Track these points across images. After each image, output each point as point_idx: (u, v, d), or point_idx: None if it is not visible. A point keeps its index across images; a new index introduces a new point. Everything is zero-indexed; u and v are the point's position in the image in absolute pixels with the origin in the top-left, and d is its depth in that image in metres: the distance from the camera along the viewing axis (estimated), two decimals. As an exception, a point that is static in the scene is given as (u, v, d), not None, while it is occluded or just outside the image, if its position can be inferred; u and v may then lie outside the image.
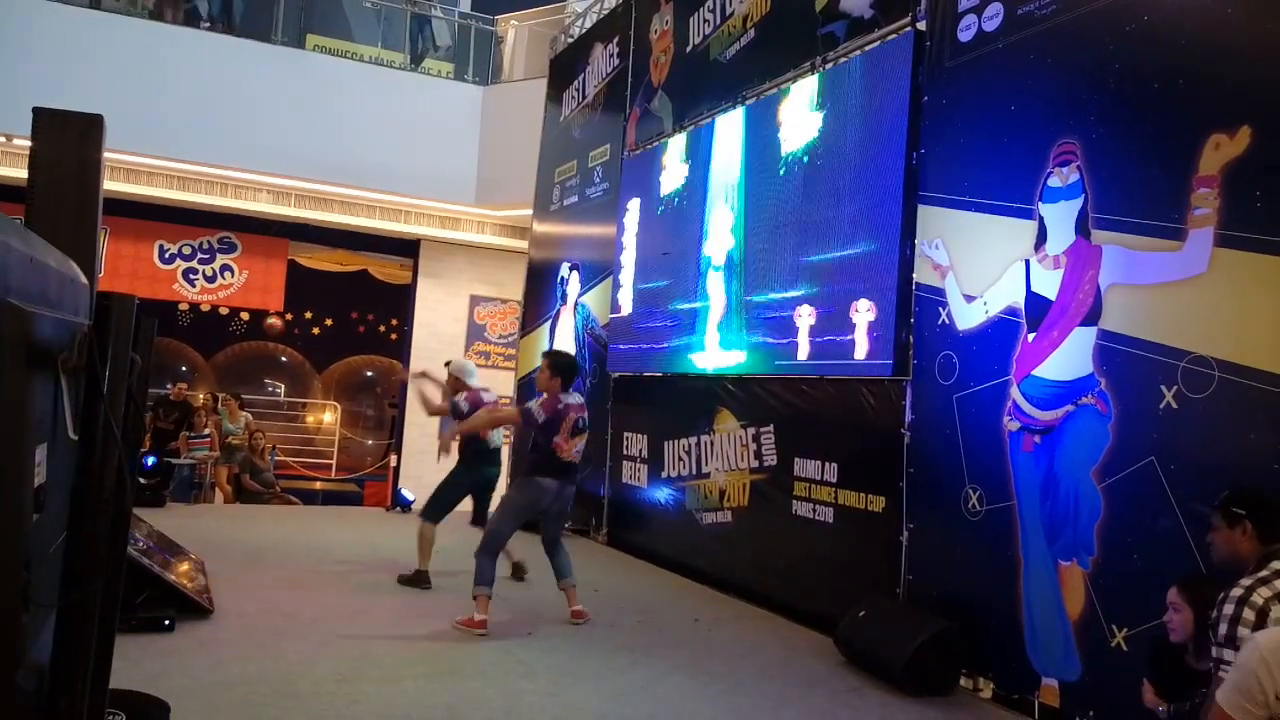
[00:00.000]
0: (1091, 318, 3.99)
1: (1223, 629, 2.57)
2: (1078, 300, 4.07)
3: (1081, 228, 4.08)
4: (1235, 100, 3.53)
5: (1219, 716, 2.23)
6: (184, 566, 5.43)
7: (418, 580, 6.03)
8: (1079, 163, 4.11)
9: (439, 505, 6.26)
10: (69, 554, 1.37)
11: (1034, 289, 4.30)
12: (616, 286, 8.25)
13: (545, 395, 5.29)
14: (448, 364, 6.94)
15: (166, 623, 4.56)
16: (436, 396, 6.64)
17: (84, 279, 1.48)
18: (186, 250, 12.65)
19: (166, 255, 12.58)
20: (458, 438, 6.17)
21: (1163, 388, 3.64)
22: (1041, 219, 4.29)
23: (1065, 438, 4.07)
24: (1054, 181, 4.23)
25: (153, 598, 4.63)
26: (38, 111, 1.61)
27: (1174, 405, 3.60)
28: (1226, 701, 2.22)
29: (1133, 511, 3.73)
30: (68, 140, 1.60)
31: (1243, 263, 3.42)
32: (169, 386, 11.11)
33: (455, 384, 6.49)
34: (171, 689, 3.57)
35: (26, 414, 1.01)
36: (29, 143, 1.65)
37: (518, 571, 6.38)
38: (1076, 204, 4.11)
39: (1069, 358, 4.08)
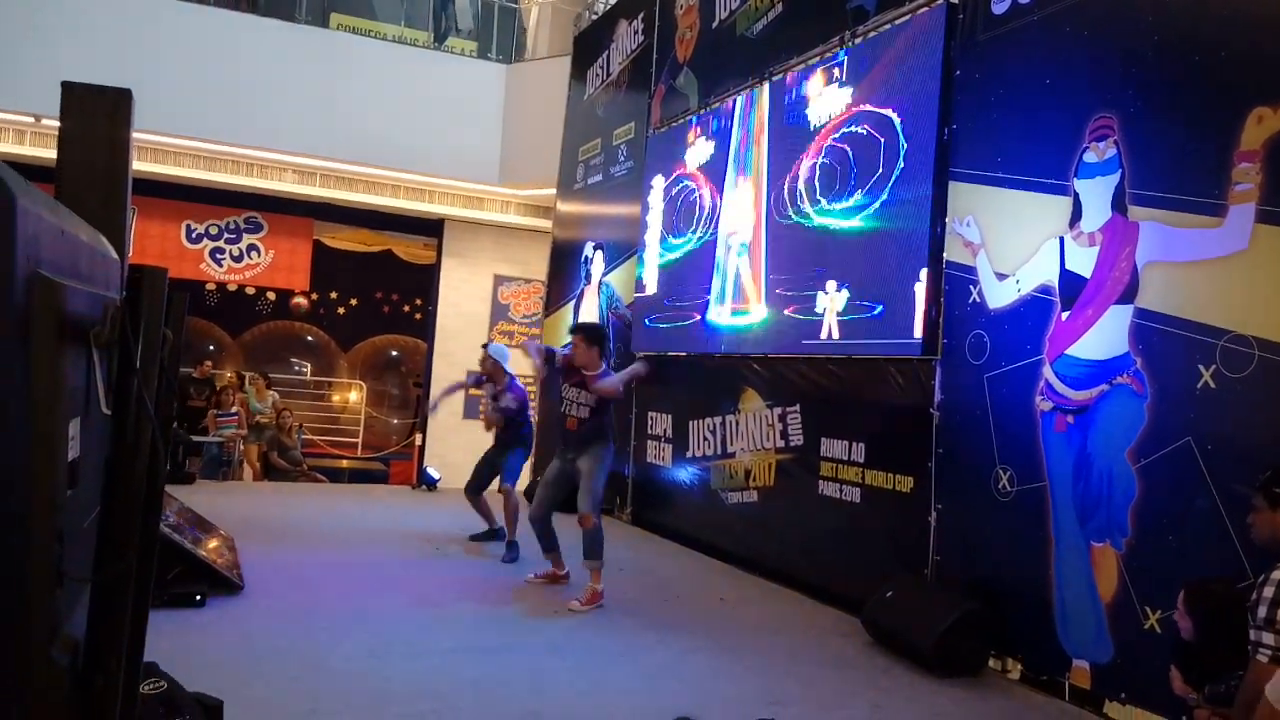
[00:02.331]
0: (1128, 296, 3.92)
1: (1262, 611, 2.52)
2: (1113, 278, 3.99)
3: (1118, 204, 4.00)
4: (1279, 73, 3.43)
5: (1269, 714, 2.19)
6: (214, 543, 5.49)
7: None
8: (1116, 137, 4.02)
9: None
10: (102, 529, 1.37)
11: (1068, 267, 4.23)
12: (641, 265, 8.21)
13: (600, 366, 5.45)
14: (485, 346, 6.99)
15: (198, 598, 4.62)
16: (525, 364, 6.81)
17: (114, 254, 1.47)
18: (213, 230, 12.73)
19: (194, 235, 12.66)
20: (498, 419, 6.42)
21: (1200, 367, 3.57)
22: (1077, 195, 4.21)
23: (1099, 418, 4.00)
24: (1090, 157, 4.15)
25: (184, 573, 4.68)
26: (66, 86, 1.58)
27: (1212, 385, 3.53)
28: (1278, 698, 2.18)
29: (1168, 493, 3.68)
30: (97, 115, 1.58)
31: (1286, 239, 3.34)
32: (198, 366, 11.33)
33: (495, 369, 6.53)
34: (204, 663, 3.61)
35: (60, 386, 1.00)
36: (58, 123, 1.63)
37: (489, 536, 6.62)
38: (1113, 180, 4.03)
39: (1104, 336, 4.01)
